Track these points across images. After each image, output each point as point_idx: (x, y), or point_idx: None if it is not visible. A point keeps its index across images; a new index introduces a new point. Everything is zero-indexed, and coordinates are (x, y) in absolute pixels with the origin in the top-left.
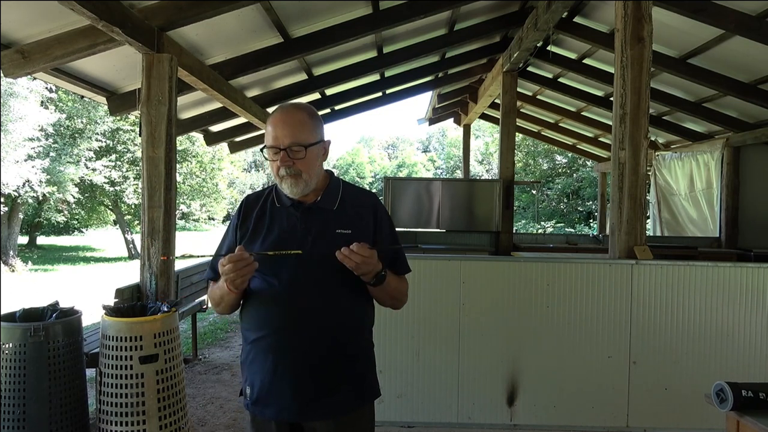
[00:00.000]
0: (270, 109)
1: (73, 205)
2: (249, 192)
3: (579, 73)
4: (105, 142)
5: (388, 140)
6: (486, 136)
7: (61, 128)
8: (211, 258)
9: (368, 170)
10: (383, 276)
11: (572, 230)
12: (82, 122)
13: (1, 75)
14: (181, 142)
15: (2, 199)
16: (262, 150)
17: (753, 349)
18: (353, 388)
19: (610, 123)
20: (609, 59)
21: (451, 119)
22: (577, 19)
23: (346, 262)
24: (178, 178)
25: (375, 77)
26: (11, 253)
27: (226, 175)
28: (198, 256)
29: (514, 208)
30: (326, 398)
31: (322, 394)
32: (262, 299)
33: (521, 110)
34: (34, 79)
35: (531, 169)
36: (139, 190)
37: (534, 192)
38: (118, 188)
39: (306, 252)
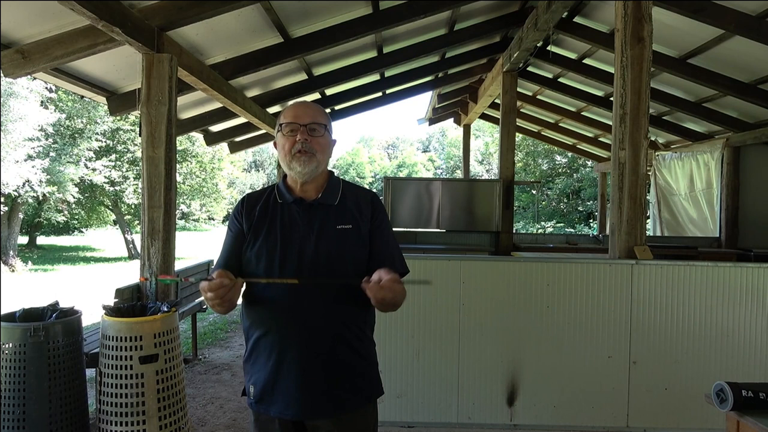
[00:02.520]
0: (270, 109)
1: (73, 205)
2: (249, 191)
3: (579, 73)
4: (105, 142)
5: (388, 140)
6: (486, 136)
7: (61, 128)
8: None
9: (368, 170)
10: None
11: (572, 230)
12: (82, 122)
13: (1, 75)
14: (181, 142)
15: (2, 199)
16: (280, 126)
17: (753, 349)
18: (356, 387)
19: (610, 123)
20: (609, 59)
21: (451, 119)
22: (577, 19)
23: (374, 291)
24: (178, 178)
25: (375, 77)
26: (11, 253)
27: (226, 175)
28: (192, 283)
29: (514, 208)
30: (329, 396)
31: (325, 392)
32: (264, 298)
33: (521, 110)
34: (34, 79)
35: (531, 169)
36: (139, 190)
37: (534, 192)
38: (118, 188)
39: (309, 242)
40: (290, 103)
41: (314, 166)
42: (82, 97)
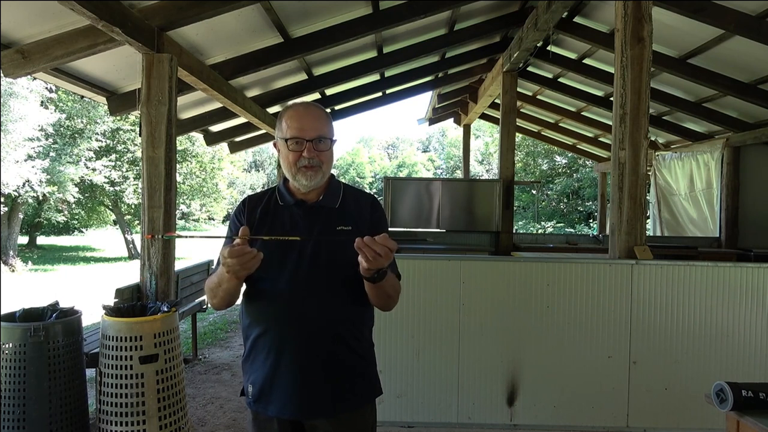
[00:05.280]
0: (270, 109)
1: (73, 205)
2: (249, 192)
3: (579, 73)
4: (105, 142)
5: (388, 140)
6: (486, 136)
7: (61, 128)
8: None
9: (368, 170)
10: (385, 272)
11: (572, 230)
12: (82, 122)
13: (1, 75)
14: (181, 142)
15: (2, 199)
16: (285, 140)
17: (753, 349)
18: (355, 387)
19: (610, 123)
20: (609, 59)
21: (451, 119)
22: (577, 19)
23: (365, 251)
24: (178, 178)
25: (375, 77)
26: (11, 253)
27: (226, 175)
28: (186, 237)
29: (514, 208)
30: (328, 396)
31: (324, 391)
32: (263, 297)
33: (521, 110)
34: (34, 79)
35: (531, 169)
36: (139, 190)
37: (534, 192)
38: (118, 188)
39: (308, 242)
40: (291, 103)
41: (319, 178)
42: (82, 97)
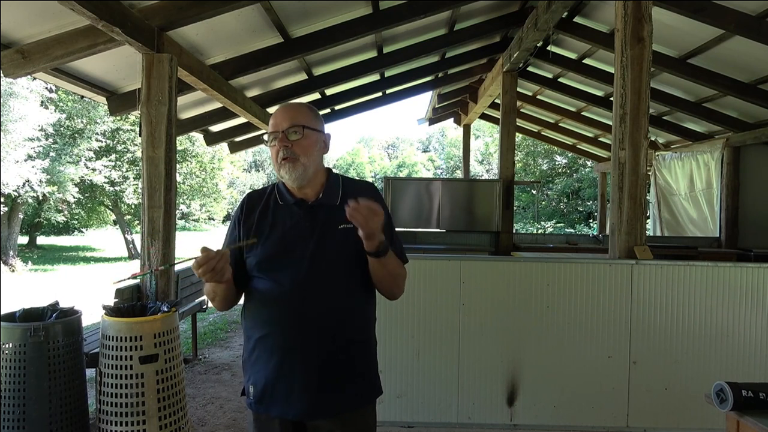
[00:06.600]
0: (270, 109)
1: (73, 205)
2: (250, 191)
3: (579, 73)
4: (105, 142)
5: (388, 140)
6: (486, 136)
7: (61, 128)
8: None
9: (368, 170)
10: (387, 247)
11: (572, 230)
12: (82, 122)
13: (1, 75)
14: (181, 142)
15: (2, 199)
16: (265, 143)
17: (753, 349)
18: (356, 387)
19: (610, 123)
20: (609, 59)
21: (451, 119)
22: (577, 19)
23: (356, 216)
24: (178, 178)
25: (375, 77)
26: (11, 253)
27: (226, 175)
28: (163, 269)
29: (514, 208)
30: (330, 396)
31: (326, 392)
32: (266, 297)
33: (521, 110)
34: (34, 79)
35: (531, 169)
36: (139, 190)
37: (534, 192)
38: (118, 188)
39: (308, 242)
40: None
41: (301, 170)
42: (82, 97)
